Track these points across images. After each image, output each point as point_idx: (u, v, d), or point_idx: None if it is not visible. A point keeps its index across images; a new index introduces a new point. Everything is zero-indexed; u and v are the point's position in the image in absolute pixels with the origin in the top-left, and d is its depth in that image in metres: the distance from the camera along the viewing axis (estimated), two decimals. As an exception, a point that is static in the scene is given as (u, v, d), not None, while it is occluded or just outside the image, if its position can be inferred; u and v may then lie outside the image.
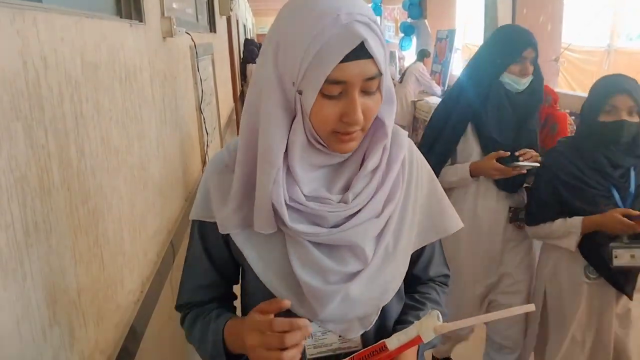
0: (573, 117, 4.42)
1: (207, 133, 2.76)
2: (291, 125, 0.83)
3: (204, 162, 2.71)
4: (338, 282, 0.90)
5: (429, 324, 0.87)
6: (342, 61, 0.75)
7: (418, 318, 0.98)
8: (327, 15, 0.75)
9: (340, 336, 0.96)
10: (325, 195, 0.88)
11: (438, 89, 7.76)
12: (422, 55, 7.93)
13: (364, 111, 0.80)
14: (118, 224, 1.28)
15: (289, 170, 0.86)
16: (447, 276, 1.15)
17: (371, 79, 0.79)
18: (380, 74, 0.80)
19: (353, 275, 0.91)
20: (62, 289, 0.95)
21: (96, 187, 1.14)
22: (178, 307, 1.09)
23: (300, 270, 0.89)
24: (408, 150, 0.98)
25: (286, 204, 0.85)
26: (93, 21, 1.20)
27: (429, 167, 1.06)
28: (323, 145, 0.85)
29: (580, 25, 6.56)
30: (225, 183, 0.92)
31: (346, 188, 0.90)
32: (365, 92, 0.81)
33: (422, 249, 1.06)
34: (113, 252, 1.23)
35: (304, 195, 0.86)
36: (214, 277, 1.04)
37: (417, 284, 1.10)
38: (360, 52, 0.76)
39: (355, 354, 0.93)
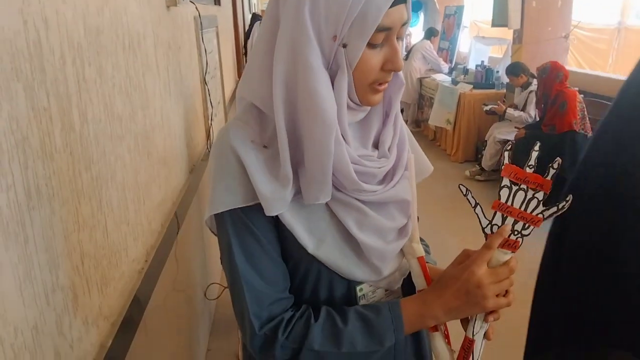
0: (582, 95, 4.39)
1: (211, 106, 2.73)
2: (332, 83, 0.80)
3: (208, 135, 2.69)
4: (394, 239, 0.92)
5: (407, 245, 0.93)
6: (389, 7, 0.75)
7: None
8: None
9: (386, 290, 0.97)
10: (368, 153, 0.88)
11: (445, 67, 7.69)
12: (430, 33, 7.84)
13: None
14: (122, 191, 1.26)
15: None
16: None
17: (405, 24, 0.80)
18: (408, 19, 0.81)
19: (402, 230, 0.92)
20: (65, 254, 0.94)
21: (99, 153, 1.13)
22: (256, 337, 0.85)
23: (360, 234, 0.87)
24: None
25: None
26: (95, -16, 1.18)
27: None
28: (353, 102, 0.83)
29: (590, 2, 6.45)
30: (264, 160, 0.83)
31: (375, 143, 0.91)
32: (398, 38, 0.81)
33: None
34: (117, 220, 1.22)
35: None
36: (284, 269, 0.90)
37: None
38: None
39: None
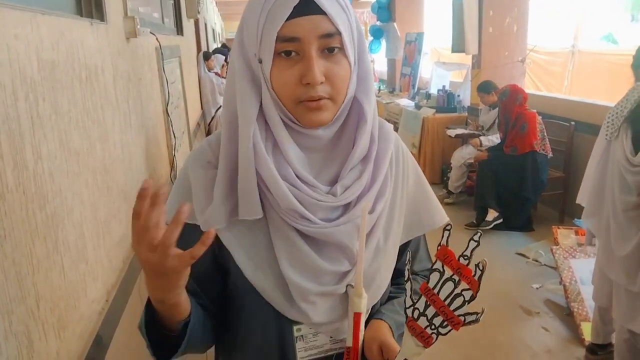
0: (541, 117, 4.51)
1: (174, 137, 2.70)
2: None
3: (172, 166, 2.65)
4: (330, 282, 0.86)
5: (350, 297, 0.87)
6: (293, 17, 0.75)
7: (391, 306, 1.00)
8: None
9: (331, 337, 0.92)
10: (313, 183, 0.83)
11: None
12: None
13: (328, 75, 0.78)
14: (80, 229, 1.22)
15: (277, 148, 0.82)
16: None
17: (328, 36, 0.77)
18: (338, 32, 0.77)
19: (344, 274, 0.87)
20: (19, 298, 0.89)
21: (55, 191, 1.09)
22: None
23: (288, 269, 0.83)
24: (394, 143, 0.96)
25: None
26: (50, 18, 1.15)
27: (414, 159, 1.04)
28: (295, 123, 0.82)
29: (545, 27, 6.70)
30: (209, 179, 0.85)
31: (334, 181, 0.86)
32: (326, 52, 0.78)
33: (407, 243, 1.01)
34: (74, 259, 1.17)
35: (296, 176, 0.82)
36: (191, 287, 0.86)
37: (399, 278, 1.03)
38: (312, 7, 0.75)
39: None
